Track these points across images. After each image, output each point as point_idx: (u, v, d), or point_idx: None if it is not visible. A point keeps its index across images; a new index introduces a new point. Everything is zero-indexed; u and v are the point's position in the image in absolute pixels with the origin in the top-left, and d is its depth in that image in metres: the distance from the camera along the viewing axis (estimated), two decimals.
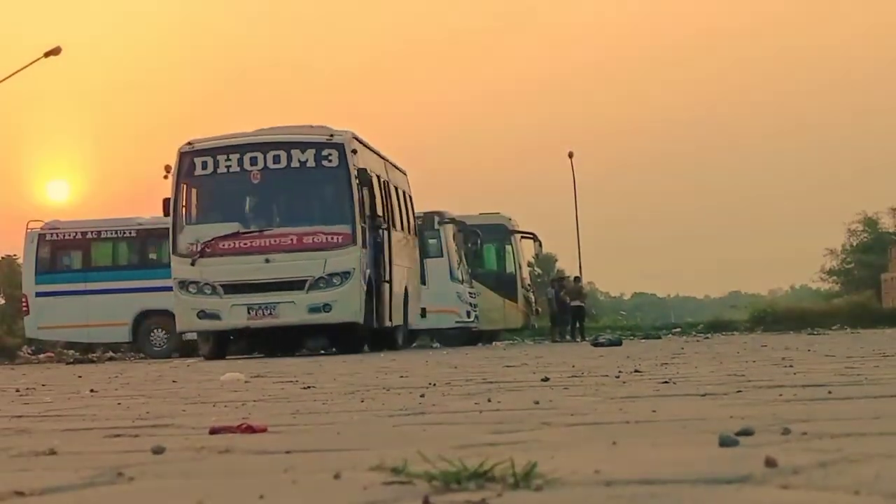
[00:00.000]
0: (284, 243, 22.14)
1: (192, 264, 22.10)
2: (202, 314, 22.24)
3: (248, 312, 22.08)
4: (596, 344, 17.93)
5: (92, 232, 29.87)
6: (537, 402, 5.06)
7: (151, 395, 7.52)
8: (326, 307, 22.10)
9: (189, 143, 22.55)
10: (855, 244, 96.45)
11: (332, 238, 22.19)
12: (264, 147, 22.47)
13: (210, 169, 22.37)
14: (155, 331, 29.84)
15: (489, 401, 5.38)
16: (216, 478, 2.74)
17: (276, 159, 22.36)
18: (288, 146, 22.45)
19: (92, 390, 8.36)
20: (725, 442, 2.93)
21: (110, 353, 30.21)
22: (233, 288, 22.09)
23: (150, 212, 29.38)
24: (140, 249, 30.20)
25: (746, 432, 3.17)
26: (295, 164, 22.33)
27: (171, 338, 29.60)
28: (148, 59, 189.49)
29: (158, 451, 3.31)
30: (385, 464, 2.67)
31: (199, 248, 22.13)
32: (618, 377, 7.29)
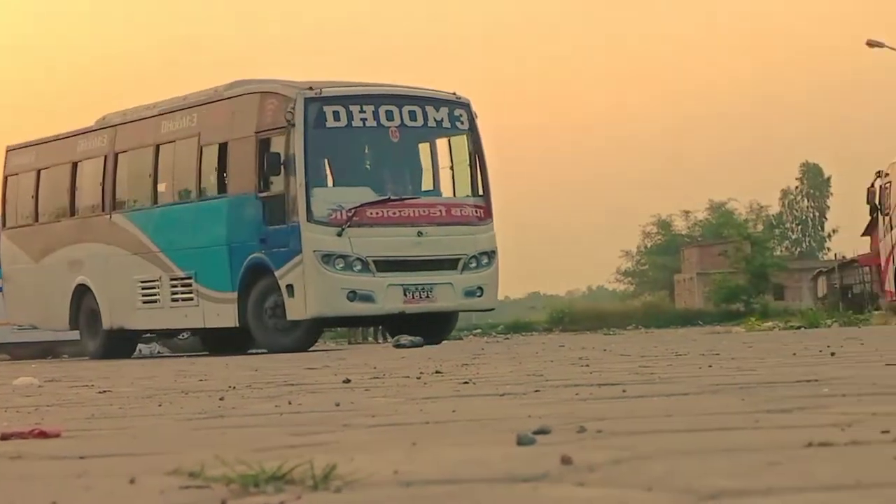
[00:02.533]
0: (434, 215, 19.14)
1: (340, 235, 18.49)
2: (353, 295, 18.72)
3: (405, 295, 18.86)
4: (398, 345, 17.98)
5: None
6: (338, 404, 5.06)
7: None
8: (479, 291, 19.38)
9: (311, 88, 18.78)
10: (649, 246, 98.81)
11: (477, 211, 19.48)
12: (400, 100, 19.32)
13: (343, 121, 18.79)
14: None
15: (289, 403, 5.35)
16: (7, 483, 2.66)
17: (413, 115, 19.24)
18: (423, 101, 19.40)
19: None
20: (523, 441, 2.97)
21: None
22: (386, 265, 18.78)
23: None
24: None
25: (543, 431, 3.22)
26: (431, 122, 19.35)
27: None
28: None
29: None
30: (182, 468, 2.63)
31: (345, 216, 18.62)
32: (419, 378, 7.32)
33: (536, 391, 5.45)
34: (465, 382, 6.53)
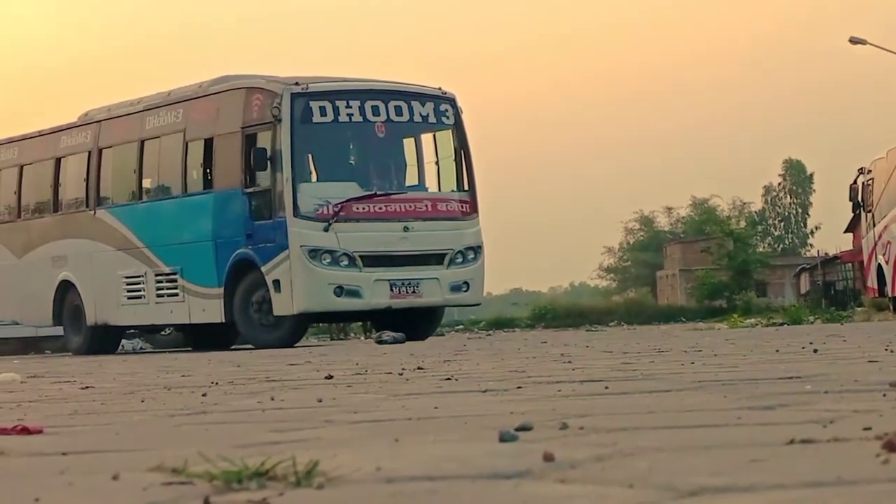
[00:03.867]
0: (420, 210, 19.25)
1: (326, 230, 18.58)
2: (340, 290, 18.77)
3: (391, 290, 18.91)
4: (380, 342, 17.98)
5: None
6: (320, 400, 5.06)
7: None
8: (465, 286, 19.45)
9: (297, 84, 18.86)
10: (632, 242, 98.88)
11: (462, 206, 19.56)
12: (386, 95, 19.37)
13: (330, 116, 18.84)
14: None
15: (272, 399, 5.35)
16: None
17: (399, 111, 19.32)
18: (408, 97, 19.48)
19: None
20: (505, 437, 2.98)
21: None
22: (373, 260, 18.83)
23: None
24: None
25: (525, 427, 3.22)
26: (417, 117, 19.43)
27: None
28: None
29: None
30: (165, 464, 2.63)
31: (332, 211, 18.70)
32: (401, 374, 7.32)
33: (518, 388, 5.45)
34: (448, 379, 6.54)
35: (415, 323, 19.69)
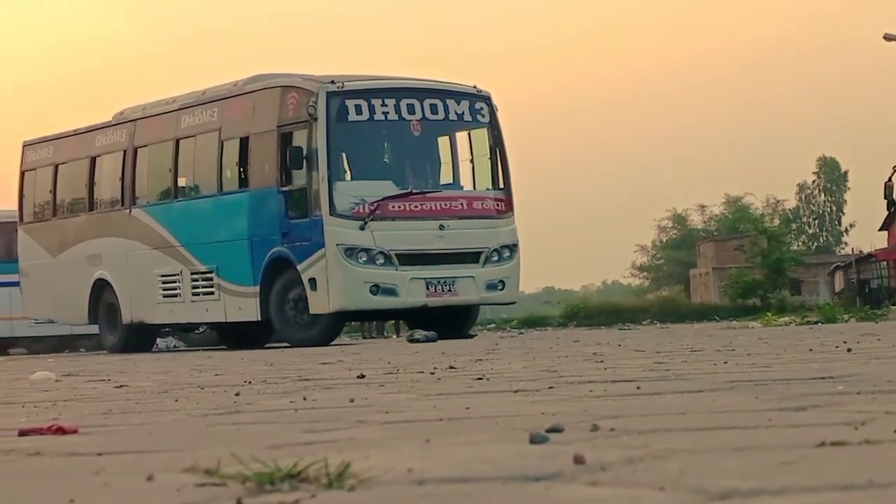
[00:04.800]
0: (456, 208, 19.27)
1: (362, 228, 18.60)
2: (376, 289, 18.78)
3: (427, 288, 18.96)
4: (412, 340, 18.00)
5: None
6: (352, 400, 5.08)
7: None
8: (501, 284, 19.49)
9: (333, 82, 18.88)
10: (665, 240, 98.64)
11: (498, 204, 19.58)
12: (421, 93, 19.42)
13: (365, 115, 18.87)
14: None
15: (304, 399, 5.37)
16: (25, 481, 2.69)
17: (434, 109, 19.35)
18: (444, 95, 19.51)
19: None
20: (535, 439, 2.98)
21: None
22: (409, 258, 18.88)
23: None
24: None
25: (556, 429, 3.23)
26: (452, 116, 19.49)
27: None
28: None
29: None
30: (198, 465, 2.65)
31: (368, 209, 18.74)
32: (433, 374, 7.33)
33: (550, 388, 5.46)
34: (479, 378, 6.54)
35: (450, 321, 19.71)
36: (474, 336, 21.43)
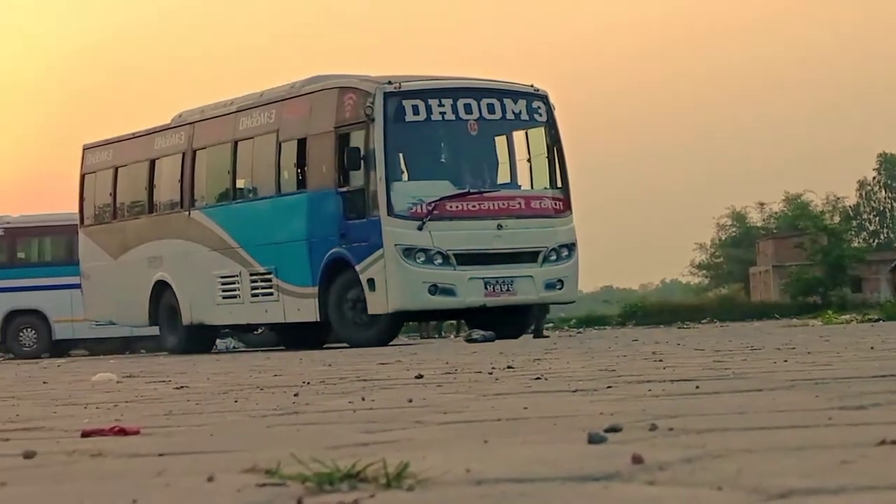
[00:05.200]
0: (514, 207, 19.24)
1: (420, 228, 18.62)
2: (434, 289, 18.78)
3: (486, 288, 18.92)
4: (470, 340, 18.00)
5: None
6: (411, 400, 5.09)
7: (22, 397, 7.41)
8: (559, 283, 19.44)
9: (390, 83, 18.94)
10: (724, 238, 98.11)
11: (556, 204, 19.56)
12: (478, 93, 19.41)
13: (423, 115, 18.92)
14: (24, 331, 29.35)
15: (363, 399, 5.39)
16: (88, 482, 2.72)
17: (491, 108, 19.35)
18: (501, 94, 19.51)
19: None
20: (594, 439, 2.98)
21: None
22: (467, 258, 18.85)
23: (18, 210, 28.94)
24: (8, 248, 29.67)
25: (615, 429, 3.23)
26: (509, 115, 19.47)
27: (40, 338, 29.16)
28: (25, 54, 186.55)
29: (29, 455, 3.28)
30: (258, 465, 2.68)
31: (426, 210, 18.76)
32: (491, 374, 7.33)
33: (608, 387, 5.45)
34: (537, 378, 6.54)
35: (508, 321, 19.71)
36: (548, 336, 21.43)
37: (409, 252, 18.66)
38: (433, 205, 18.75)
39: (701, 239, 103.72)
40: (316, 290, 19.75)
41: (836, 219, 73.89)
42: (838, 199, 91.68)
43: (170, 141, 22.92)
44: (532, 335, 20.76)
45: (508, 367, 8.07)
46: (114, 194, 24.11)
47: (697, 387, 5.20)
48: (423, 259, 18.71)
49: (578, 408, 4.29)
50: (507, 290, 19.07)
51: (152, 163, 23.20)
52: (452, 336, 31.72)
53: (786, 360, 7.28)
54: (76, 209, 25.13)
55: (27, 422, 4.91)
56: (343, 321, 19.62)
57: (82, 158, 24.87)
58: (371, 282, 18.96)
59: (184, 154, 22.49)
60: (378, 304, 18.98)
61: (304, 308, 20.06)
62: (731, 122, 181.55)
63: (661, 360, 8.16)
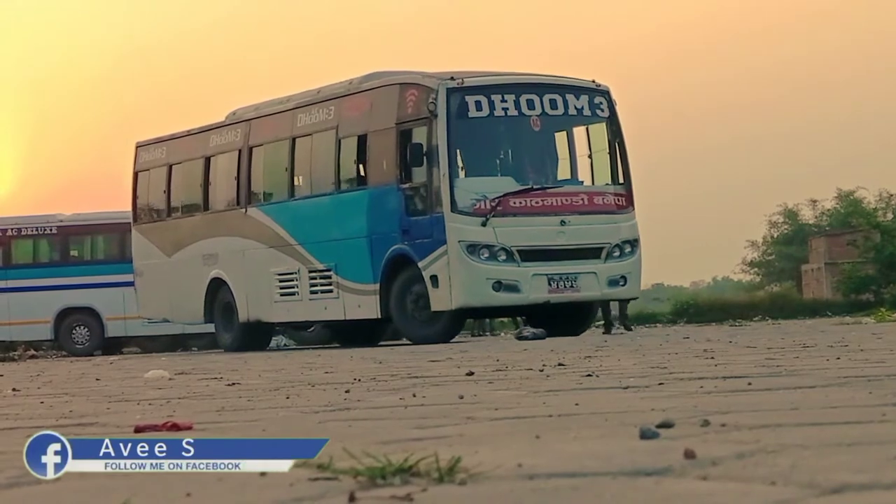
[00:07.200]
0: (577, 203, 19.10)
1: (484, 225, 18.51)
2: (498, 285, 18.70)
3: (549, 284, 18.79)
4: (520, 337, 17.96)
5: (12, 229, 29.52)
6: (461, 397, 5.10)
7: (75, 393, 7.47)
8: (623, 280, 19.34)
9: (453, 78, 18.79)
10: (776, 236, 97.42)
11: (618, 200, 19.42)
12: (540, 89, 19.28)
13: (485, 111, 18.82)
14: (77, 328, 29.58)
15: (414, 395, 5.40)
16: (143, 477, 2.74)
17: (553, 104, 19.22)
18: (563, 90, 19.39)
19: (14, 389, 8.29)
20: (646, 434, 2.98)
21: (32, 352, 29.91)
22: (531, 255, 18.71)
23: (71, 209, 29.18)
24: (61, 246, 29.92)
25: (667, 424, 3.22)
26: (571, 111, 19.33)
27: (93, 335, 29.40)
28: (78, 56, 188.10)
29: None
30: (311, 460, 2.69)
31: (489, 206, 18.66)
32: (542, 371, 7.33)
33: (660, 384, 5.43)
34: (588, 375, 6.54)
35: (570, 318, 19.68)
36: (632, 329, 21.40)
37: (472, 248, 18.54)
38: (497, 201, 18.62)
39: (753, 236, 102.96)
40: (377, 286, 19.72)
41: (890, 216, 73.22)
42: (891, 195, 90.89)
43: (225, 138, 22.96)
44: (621, 329, 20.65)
45: (559, 365, 8.07)
46: (168, 192, 24.16)
47: (749, 383, 5.18)
48: (486, 255, 18.61)
49: (630, 404, 4.28)
50: (571, 286, 18.95)
51: (207, 160, 23.25)
52: (503, 334, 31.69)
53: (838, 358, 7.24)
54: (128, 207, 25.26)
55: (81, 417, 4.96)
56: (405, 318, 19.59)
57: (135, 156, 24.97)
58: (434, 278, 18.93)
59: (240, 151, 22.53)
60: (441, 300, 18.95)
61: (364, 305, 20.04)
62: (784, 119, 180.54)
63: (712, 358, 8.13)
